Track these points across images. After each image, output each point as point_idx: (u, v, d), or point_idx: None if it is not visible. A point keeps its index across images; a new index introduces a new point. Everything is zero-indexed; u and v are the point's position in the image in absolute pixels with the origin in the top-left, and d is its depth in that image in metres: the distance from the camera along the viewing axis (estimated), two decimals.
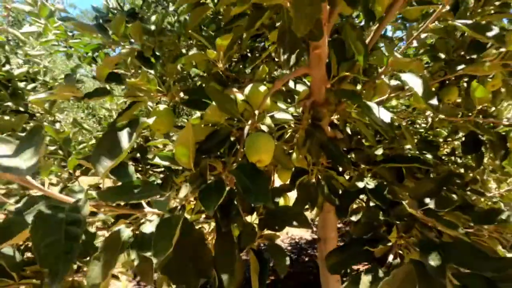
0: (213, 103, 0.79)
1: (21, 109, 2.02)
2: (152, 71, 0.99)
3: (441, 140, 2.00)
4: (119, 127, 0.61)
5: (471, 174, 1.81)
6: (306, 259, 4.30)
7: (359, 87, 0.94)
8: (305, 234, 4.98)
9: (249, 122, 0.78)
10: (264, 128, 0.78)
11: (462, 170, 1.86)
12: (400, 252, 0.85)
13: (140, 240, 0.66)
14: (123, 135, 0.59)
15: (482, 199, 1.81)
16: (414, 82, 0.69)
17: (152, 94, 1.00)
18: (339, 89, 0.76)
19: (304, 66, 0.76)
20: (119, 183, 0.63)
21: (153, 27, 1.69)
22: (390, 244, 0.85)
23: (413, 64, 0.77)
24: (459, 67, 0.90)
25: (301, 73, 0.77)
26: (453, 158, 1.95)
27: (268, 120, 0.78)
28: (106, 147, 0.58)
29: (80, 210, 0.49)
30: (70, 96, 0.82)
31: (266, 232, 0.91)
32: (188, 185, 0.64)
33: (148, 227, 0.67)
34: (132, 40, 1.66)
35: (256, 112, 0.78)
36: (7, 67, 2.03)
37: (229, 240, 0.62)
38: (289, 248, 4.71)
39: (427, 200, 0.94)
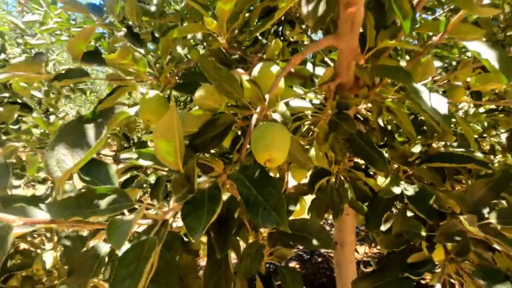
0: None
1: (19, 100, 1.92)
2: (141, 50, 0.82)
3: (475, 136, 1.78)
4: (88, 118, 0.44)
5: None
6: (319, 259, 4.12)
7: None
8: None
9: (258, 109, 0.60)
10: (277, 117, 0.60)
11: None
12: (452, 280, 0.66)
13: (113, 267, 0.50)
14: (91, 128, 0.43)
15: None
16: (488, 53, 0.49)
17: (144, 78, 0.83)
18: (378, 65, 0.56)
19: (331, 35, 0.57)
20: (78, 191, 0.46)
21: (153, 9, 1.52)
22: (437, 269, 0.66)
23: (479, 32, 0.56)
24: None
25: (326, 44, 0.59)
26: (492, 157, 1.71)
27: (282, 107, 0.60)
28: (68, 142, 0.42)
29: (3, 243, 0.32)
30: (36, 78, 0.67)
31: (278, 248, 0.73)
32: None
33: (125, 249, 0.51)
34: (131, 23, 1.50)
35: (267, 96, 0.60)
36: (3, 56, 1.91)
37: (224, 268, 0.45)
38: (300, 247, 4.54)
39: (484, 210, 0.74)
